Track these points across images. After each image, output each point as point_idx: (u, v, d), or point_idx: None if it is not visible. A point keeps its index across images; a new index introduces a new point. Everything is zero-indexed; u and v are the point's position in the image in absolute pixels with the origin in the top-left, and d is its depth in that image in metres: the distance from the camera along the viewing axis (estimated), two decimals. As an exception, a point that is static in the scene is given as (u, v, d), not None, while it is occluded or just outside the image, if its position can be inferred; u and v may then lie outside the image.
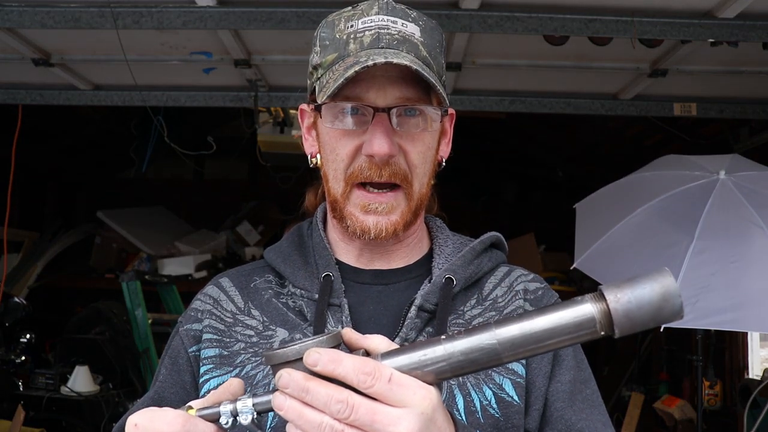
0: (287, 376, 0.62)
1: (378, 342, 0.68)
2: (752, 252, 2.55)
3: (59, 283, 5.44)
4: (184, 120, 4.42)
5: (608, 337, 0.62)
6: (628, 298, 0.59)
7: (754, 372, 4.09)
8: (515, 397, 0.88)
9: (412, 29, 0.89)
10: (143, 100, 3.34)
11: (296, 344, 0.65)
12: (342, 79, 0.82)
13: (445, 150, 1.01)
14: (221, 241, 5.75)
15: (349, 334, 0.69)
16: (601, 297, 0.60)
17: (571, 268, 3.02)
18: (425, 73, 0.82)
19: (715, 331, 3.69)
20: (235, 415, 0.67)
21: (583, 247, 2.98)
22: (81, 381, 3.80)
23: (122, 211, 5.61)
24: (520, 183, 6.42)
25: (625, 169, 3.27)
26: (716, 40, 2.47)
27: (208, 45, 2.87)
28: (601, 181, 3.35)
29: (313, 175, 1.04)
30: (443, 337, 0.64)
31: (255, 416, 0.67)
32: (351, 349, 0.69)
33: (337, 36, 0.90)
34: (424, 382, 0.63)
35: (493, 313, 0.95)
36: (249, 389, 0.76)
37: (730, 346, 4.19)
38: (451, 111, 1.00)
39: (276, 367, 0.66)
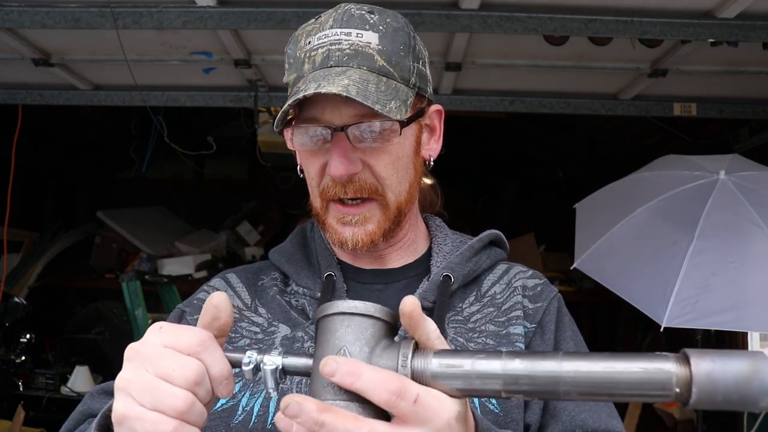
0: (296, 406, 0.54)
1: (434, 334, 0.62)
2: (752, 252, 2.55)
3: (59, 283, 5.42)
4: (184, 120, 4.42)
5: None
6: (712, 367, 0.53)
7: (754, 372, 4.08)
8: None
9: (369, 38, 0.86)
10: (143, 100, 3.34)
11: (352, 300, 0.61)
12: (281, 113, 0.83)
13: (435, 147, 1.00)
14: (221, 241, 5.73)
15: (414, 309, 0.61)
16: (685, 360, 0.55)
17: (571, 268, 3.02)
18: (359, 98, 0.79)
19: (715, 331, 3.68)
20: (257, 369, 0.62)
21: (583, 247, 2.98)
22: (81, 381, 3.80)
23: (122, 211, 5.59)
24: (520, 183, 6.41)
25: (625, 169, 3.27)
26: (716, 40, 2.47)
27: (208, 45, 2.87)
28: (601, 181, 3.34)
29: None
30: (503, 350, 0.59)
31: (280, 379, 0.61)
32: (406, 328, 0.63)
33: (298, 54, 0.89)
34: (467, 394, 0.59)
35: (492, 309, 0.96)
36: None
37: (730, 346, 4.18)
38: (437, 107, 0.99)
39: (326, 318, 0.59)
